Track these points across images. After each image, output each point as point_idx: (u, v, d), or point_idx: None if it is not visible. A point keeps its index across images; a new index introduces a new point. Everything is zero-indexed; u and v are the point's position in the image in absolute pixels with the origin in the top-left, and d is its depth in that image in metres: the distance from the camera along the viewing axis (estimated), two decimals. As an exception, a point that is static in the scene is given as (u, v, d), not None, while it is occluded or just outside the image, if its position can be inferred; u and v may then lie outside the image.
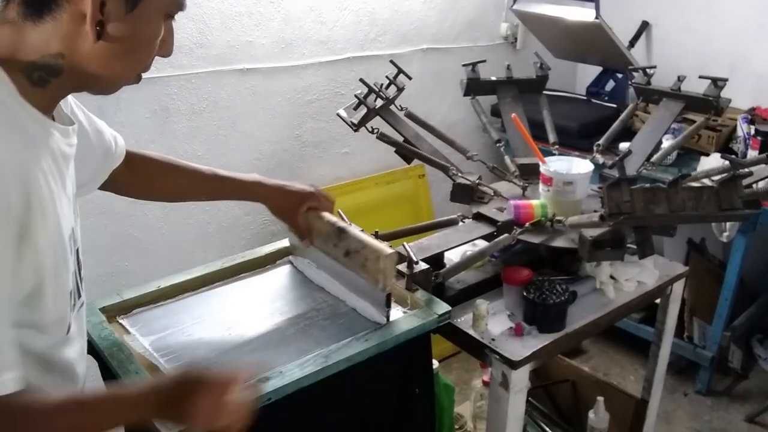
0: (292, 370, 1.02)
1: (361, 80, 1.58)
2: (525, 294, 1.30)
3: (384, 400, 1.19)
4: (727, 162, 1.50)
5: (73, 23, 0.74)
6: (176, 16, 0.86)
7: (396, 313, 1.22)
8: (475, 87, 1.79)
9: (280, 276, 1.40)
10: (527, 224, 1.42)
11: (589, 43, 2.68)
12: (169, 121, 2.05)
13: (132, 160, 1.15)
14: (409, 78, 1.66)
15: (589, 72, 3.01)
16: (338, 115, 1.59)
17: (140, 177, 1.18)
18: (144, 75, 0.87)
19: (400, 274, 1.29)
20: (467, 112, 2.69)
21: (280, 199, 1.23)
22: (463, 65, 1.80)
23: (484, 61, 1.80)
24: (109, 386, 0.81)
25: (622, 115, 1.81)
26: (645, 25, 2.92)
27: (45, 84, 0.77)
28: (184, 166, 1.20)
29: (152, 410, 0.81)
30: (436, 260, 1.39)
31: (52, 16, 0.74)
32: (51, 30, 0.75)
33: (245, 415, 0.84)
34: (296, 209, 1.23)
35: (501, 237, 1.40)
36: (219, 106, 2.14)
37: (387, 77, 1.64)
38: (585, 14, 2.49)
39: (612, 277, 1.44)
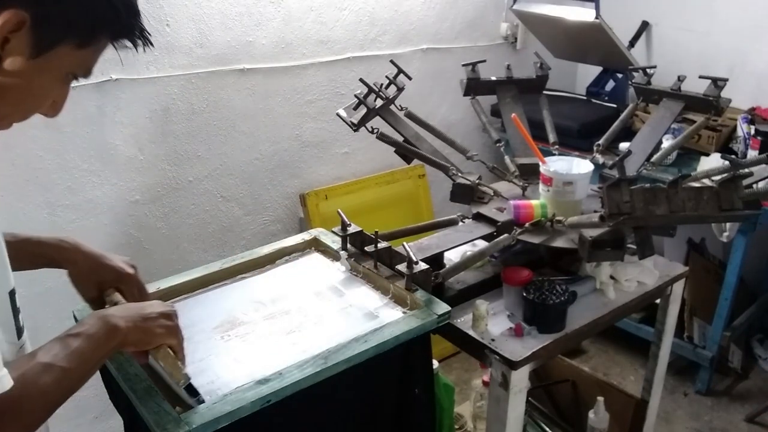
0: (292, 371, 1.01)
1: (361, 80, 1.58)
2: (525, 294, 1.30)
3: (384, 401, 1.19)
4: (727, 162, 1.51)
5: None
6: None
7: (396, 313, 1.22)
8: (475, 87, 1.79)
9: (279, 275, 1.40)
10: (527, 224, 1.42)
11: (589, 43, 2.68)
12: (169, 121, 2.05)
13: None
14: (409, 78, 1.66)
15: (589, 72, 3.01)
16: (338, 115, 1.59)
17: None
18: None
19: (400, 274, 1.29)
20: (467, 112, 2.69)
21: (86, 269, 1.04)
22: (463, 65, 1.79)
23: (484, 61, 1.80)
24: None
25: (622, 115, 1.81)
26: (645, 25, 2.92)
27: None
28: None
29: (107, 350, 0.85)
30: (436, 260, 1.39)
31: None
32: None
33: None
34: (96, 286, 1.04)
35: (501, 237, 1.39)
36: (219, 106, 2.14)
37: (387, 77, 1.64)
38: (585, 14, 2.49)
39: (612, 277, 1.44)
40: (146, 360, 0.97)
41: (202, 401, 0.97)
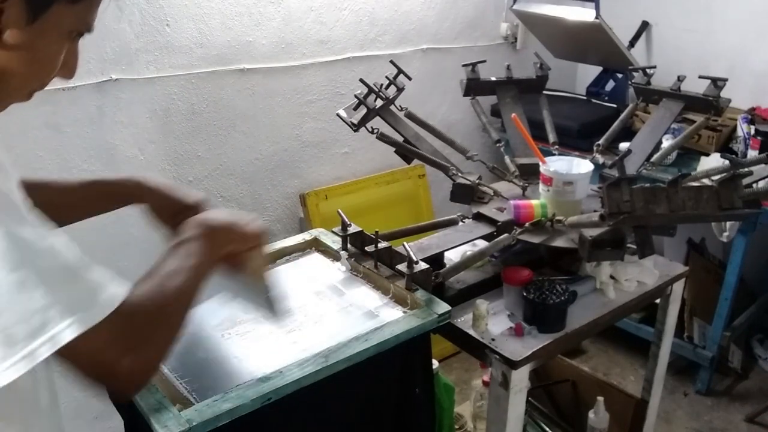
0: (292, 370, 1.01)
1: (361, 80, 1.58)
2: (525, 294, 1.30)
3: (384, 400, 1.19)
4: (727, 162, 1.50)
5: None
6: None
7: (396, 313, 1.22)
8: (475, 87, 1.79)
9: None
10: (527, 224, 1.42)
11: (589, 43, 2.68)
12: (169, 121, 2.05)
13: None
14: (409, 78, 1.66)
15: (589, 72, 3.01)
16: (338, 115, 1.59)
17: None
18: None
19: (400, 273, 1.29)
20: (467, 112, 2.69)
21: (157, 201, 1.06)
22: (463, 65, 1.80)
23: (484, 61, 1.80)
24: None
25: (622, 115, 1.81)
26: (645, 25, 2.92)
27: None
28: (45, 182, 1.04)
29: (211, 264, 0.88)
30: (436, 260, 1.39)
31: None
32: None
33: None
34: (172, 217, 1.05)
35: (501, 237, 1.40)
36: (219, 106, 2.14)
37: (387, 77, 1.64)
38: (585, 14, 2.49)
39: (612, 277, 1.44)
40: (237, 271, 0.97)
41: (283, 313, 1.01)
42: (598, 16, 2.46)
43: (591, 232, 1.28)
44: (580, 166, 1.51)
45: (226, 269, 0.96)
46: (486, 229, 1.47)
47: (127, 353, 0.72)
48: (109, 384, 0.75)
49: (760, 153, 2.18)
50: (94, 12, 0.79)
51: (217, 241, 0.89)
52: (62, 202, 1.03)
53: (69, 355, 0.68)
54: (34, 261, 0.67)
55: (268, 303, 1.00)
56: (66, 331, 0.67)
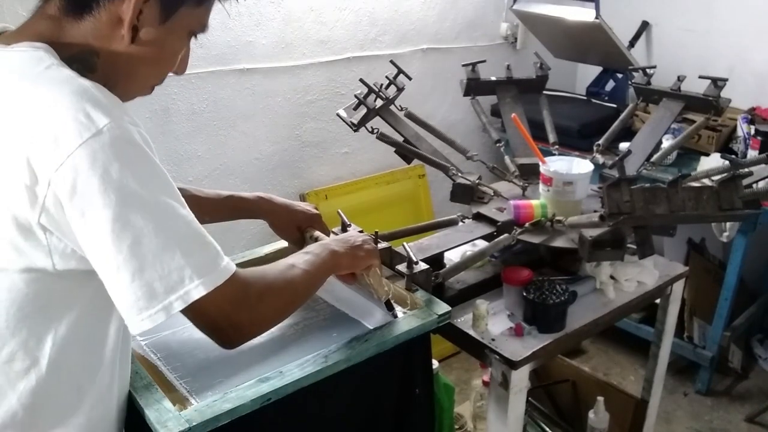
0: (292, 370, 1.01)
1: (361, 80, 1.58)
2: (525, 294, 1.30)
3: (384, 400, 1.19)
4: (727, 162, 1.50)
5: (111, 25, 0.80)
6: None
7: (396, 313, 1.22)
8: (475, 87, 1.79)
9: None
10: (527, 224, 1.42)
11: (589, 43, 2.68)
12: (169, 121, 2.05)
13: None
14: (409, 78, 1.66)
15: (589, 72, 3.01)
16: (338, 115, 1.59)
17: None
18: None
19: (399, 274, 1.29)
20: (467, 112, 2.69)
21: (285, 217, 1.29)
22: (463, 65, 1.80)
23: (484, 61, 1.80)
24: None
25: (622, 115, 1.81)
26: (645, 25, 2.92)
27: (82, 77, 0.80)
28: (183, 189, 1.18)
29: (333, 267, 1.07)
30: (436, 260, 1.39)
31: (92, 15, 0.80)
32: (90, 28, 0.80)
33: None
34: (297, 228, 1.29)
35: (501, 237, 1.40)
36: (219, 106, 2.14)
37: (387, 77, 1.64)
38: (585, 14, 2.49)
39: (612, 277, 1.44)
40: (353, 281, 1.17)
41: (396, 316, 1.16)
42: (598, 16, 2.45)
43: (591, 233, 1.28)
44: (580, 166, 1.51)
45: (347, 281, 1.17)
46: (486, 229, 1.47)
47: (244, 308, 0.86)
48: (222, 334, 0.87)
49: (760, 153, 2.18)
50: (209, 14, 0.91)
51: (337, 263, 1.07)
52: (195, 210, 1.13)
53: (193, 308, 0.80)
54: (175, 226, 0.79)
55: (384, 307, 1.16)
56: (196, 290, 0.79)
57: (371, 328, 1.16)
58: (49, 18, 0.80)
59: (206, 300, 0.80)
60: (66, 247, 0.77)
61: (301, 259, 1.00)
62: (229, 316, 0.84)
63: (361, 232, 1.25)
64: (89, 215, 0.73)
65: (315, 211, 1.30)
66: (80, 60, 0.80)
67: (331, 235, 1.30)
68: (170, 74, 0.92)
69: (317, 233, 1.26)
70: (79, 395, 0.86)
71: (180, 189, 1.13)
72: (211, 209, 1.23)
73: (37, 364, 0.81)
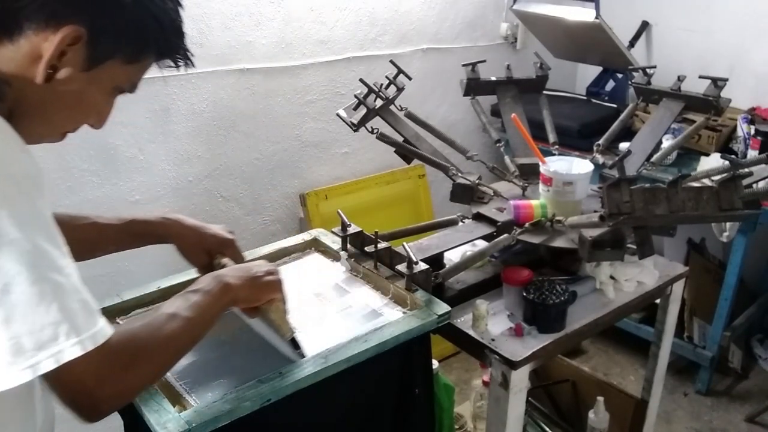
0: (292, 370, 1.02)
1: (361, 80, 1.58)
2: (525, 294, 1.30)
3: (384, 401, 1.19)
4: (727, 162, 1.50)
5: (30, 58, 0.75)
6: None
7: (396, 313, 1.22)
8: (475, 87, 1.79)
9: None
10: (527, 224, 1.42)
11: (589, 43, 2.68)
12: (169, 121, 2.05)
13: None
14: (409, 78, 1.66)
15: (589, 72, 3.01)
16: (338, 115, 1.59)
17: None
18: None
19: (400, 274, 1.29)
20: (467, 112, 2.69)
21: (193, 240, 1.15)
22: (463, 65, 1.79)
23: (484, 61, 1.80)
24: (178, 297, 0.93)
25: (622, 115, 1.81)
26: (645, 25, 2.92)
27: None
28: (84, 217, 1.10)
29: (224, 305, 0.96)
30: (436, 260, 1.38)
31: (12, 43, 0.74)
32: (7, 56, 0.75)
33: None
34: (206, 253, 1.15)
35: (501, 237, 1.39)
36: (219, 106, 2.14)
37: (387, 77, 1.64)
38: (585, 14, 2.49)
39: (612, 277, 1.44)
40: (255, 315, 1.06)
41: (304, 356, 1.06)
42: (598, 16, 2.45)
43: (591, 233, 1.28)
44: (580, 166, 1.51)
45: (249, 314, 1.06)
46: (486, 229, 1.47)
47: (108, 381, 0.76)
48: (82, 405, 0.77)
49: (760, 153, 2.18)
50: (141, 75, 0.85)
51: (232, 298, 0.97)
52: (98, 238, 1.11)
53: (58, 372, 0.70)
54: (54, 277, 0.70)
55: (288, 344, 1.06)
56: (70, 350, 0.70)
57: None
58: None
59: (77, 363, 0.71)
60: None
61: (185, 304, 0.89)
62: (97, 384, 0.75)
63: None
64: None
65: (229, 236, 1.16)
66: None
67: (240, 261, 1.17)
68: (89, 126, 0.86)
69: (226, 260, 1.13)
70: None
71: (80, 216, 1.10)
72: (115, 237, 1.13)
73: None
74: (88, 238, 1.09)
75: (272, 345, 1.12)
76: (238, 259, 1.16)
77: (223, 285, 0.95)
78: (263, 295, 1.02)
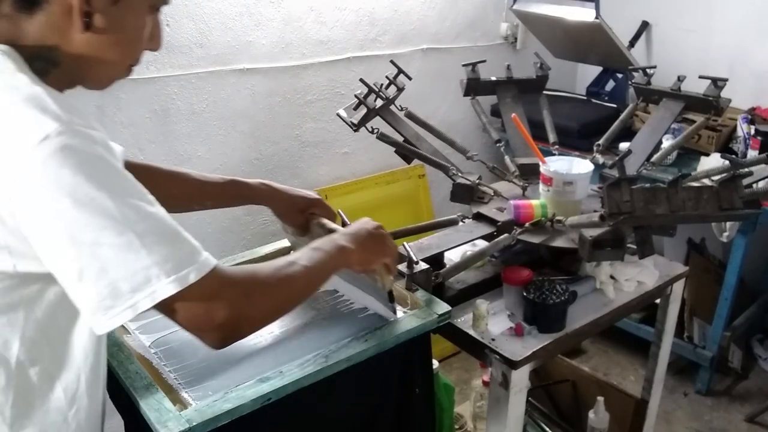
0: (292, 369, 1.01)
1: (361, 80, 1.58)
2: (525, 294, 1.30)
3: (384, 400, 1.19)
4: (727, 162, 1.50)
5: (63, 16, 0.78)
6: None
7: (396, 313, 1.22)
8: (475, 87, 1.79)
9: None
10: (527, 224, 1.42)
11: (589, 43, 2.68)
12: (169, 121, 2.05)
13: (132, 169, 1.14)
14: (409, 78, 1.66)
15: (589, 72, 3.01)
16: (338, 115, 1.59)
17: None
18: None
19: (400, 274, 1.29)
20: (467, 112, 2.69)
21: (286, 202, 1.26)
22: (463, 65, 1.80)
23: (484, 61, 1.80)
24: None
25: (622, 115, 1.81)
26: (645, 25, 2.92)
27: (46, 74, 0.80)
28: (186, 173, 1.21)
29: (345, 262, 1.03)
30: (436, 260, 1.39)
31: (43, 9, 0.78)
32: (43, 22, 0.78)
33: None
34: (300, 213, 1.26)
35: (501, 237, 1.40)
36: (219, 106, 2.14)
37: (387, 77, 1.64)
38: (585, 14, 2.49)
39: (612, 277, 1.44)
40: (364, 271, 1.12)
41: (395, 311, 1.17)
42: (598, 16, 2.46)
43: (591, 232, 1.28)
44: (580, 166, 1.52)
45: (359, 270, 1.11)
46: (486, 229, 1.47)
47: (230, 306, 0.82)
48: (204, 333, 0.84)
49: (760, 153, 2.18)
50: None
51: (346, 261, 1.03)
52: (197, 193, 1.21)
53: (167, 308, 0.79)
54: (138, 226, 0.76)
55: (386, 303, 1.15)
56: (165, 288, 0.76)
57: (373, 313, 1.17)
58: (5, 17, 0.79)
59: (180, 298, 0.78)
60: (27, 250, 0.76)
61: (304, 256, 0.96)
62: (207, 314, 0.81)
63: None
64: (44, 222, 0.73)
65: (315, 196, 1.28)
66: (41, 57, 0.79)
67: (340, 219, 1.29)
68: (150, 51, 0.90)
69: (323, 220, 1.24)
70: (41, 401, 0.86)
71: (184, 173, 1.19)
72: (215, 193, 1.22)
73: (7, 365, 0.82)
74: (187, 192, 1.19)
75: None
76: (330, 214, 1.26)
77: (340, 247, 1.02)
78: (376, 260, 1.09)
